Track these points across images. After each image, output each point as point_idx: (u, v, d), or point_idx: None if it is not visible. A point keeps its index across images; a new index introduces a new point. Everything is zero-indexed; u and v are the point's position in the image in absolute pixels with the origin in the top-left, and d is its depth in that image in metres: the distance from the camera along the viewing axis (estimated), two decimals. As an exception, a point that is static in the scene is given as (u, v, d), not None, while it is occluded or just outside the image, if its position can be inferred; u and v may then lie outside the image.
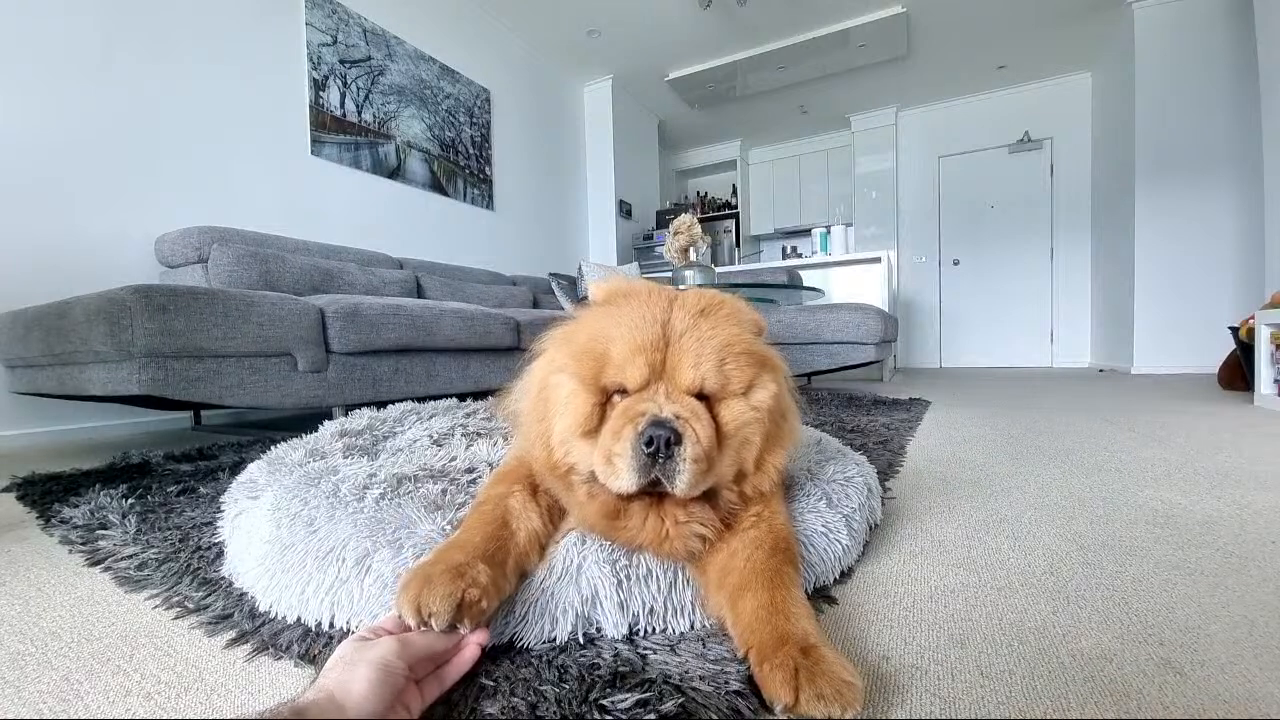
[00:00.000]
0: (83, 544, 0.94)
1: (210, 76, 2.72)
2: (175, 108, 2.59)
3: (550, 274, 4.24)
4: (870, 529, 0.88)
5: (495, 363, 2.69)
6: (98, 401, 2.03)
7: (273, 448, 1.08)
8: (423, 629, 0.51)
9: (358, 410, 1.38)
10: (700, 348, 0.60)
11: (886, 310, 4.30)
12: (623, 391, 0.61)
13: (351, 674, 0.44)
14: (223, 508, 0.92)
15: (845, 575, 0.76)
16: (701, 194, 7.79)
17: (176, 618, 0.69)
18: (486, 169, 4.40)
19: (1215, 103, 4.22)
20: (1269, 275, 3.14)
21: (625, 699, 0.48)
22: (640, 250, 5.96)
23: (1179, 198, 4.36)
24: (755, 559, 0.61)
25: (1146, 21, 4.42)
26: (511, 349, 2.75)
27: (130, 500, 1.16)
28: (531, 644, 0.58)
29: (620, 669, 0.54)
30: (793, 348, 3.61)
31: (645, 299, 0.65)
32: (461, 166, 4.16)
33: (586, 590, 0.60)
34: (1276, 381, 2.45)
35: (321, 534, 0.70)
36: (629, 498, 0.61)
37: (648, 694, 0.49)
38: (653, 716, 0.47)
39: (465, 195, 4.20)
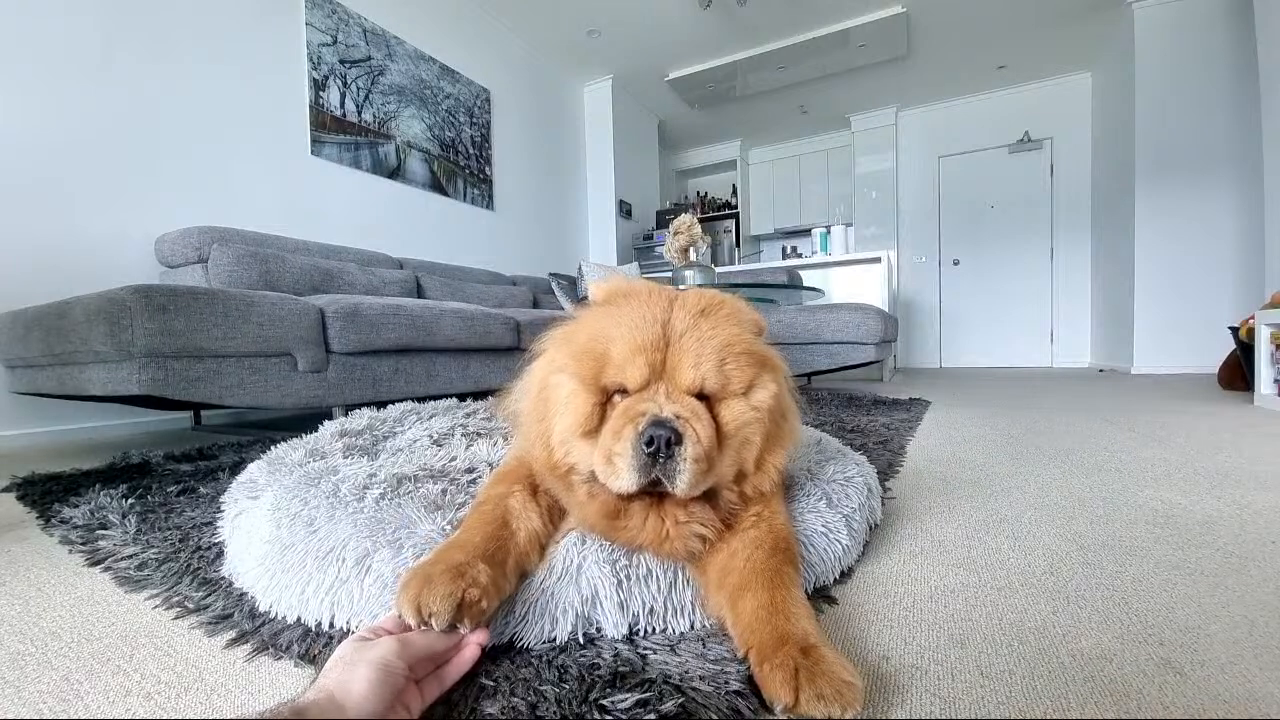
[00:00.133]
0: (83, 544, 0.94)
1: (210, 76, 2.72)
2: (175, 108, 2.59)
3: (550, 274, 4.24)
4: (870, 529, 0.88)
5: (495, 363, 2.69)
6: (98, 401, 2.03)
7: (273, 448, 1.08)
8: (423, 629, 0.51)
9: (358, 410, 1.38)
10: (700, 347, 0.60)
11: (886, 310, 4.30)
12: (623, 391, 0.61)
13: (351, 674, 0.44)
14: (223, 508, 0.92)
15: (845, 575, 0.76)
16: (701, 194, 7.79)
17: (176, 618, 0.69)
18: (486, 169, 4.40)
19: (1215, 103, 4.22)
20: (1269, 275, 3.14)
21: (625, 699, 0.48)
22: (640, 250, 5.96)
23: (1179, 198, 4.36)
24: (755, 559, 0.61)
25: (1146, 21, 4.42)
26: (511, 349, 2.75)
27: (130, 500, 1.16)
28: (531, 644, 0.58)
29: (620, 669, 0.54)
30: (793, 348, 3.61)
31: (645, 299, 0.65)
32: (461, 166, 4.16)
33: (586, 590, 0.60)
34: (1276, 381, 2.45)
35: (321, 534, 0.70)
36: (629, 498, 0.61)
37: (648, 694, 0.49)
38: (653, 716, 0.47)
39: (465, 195, 4.20)
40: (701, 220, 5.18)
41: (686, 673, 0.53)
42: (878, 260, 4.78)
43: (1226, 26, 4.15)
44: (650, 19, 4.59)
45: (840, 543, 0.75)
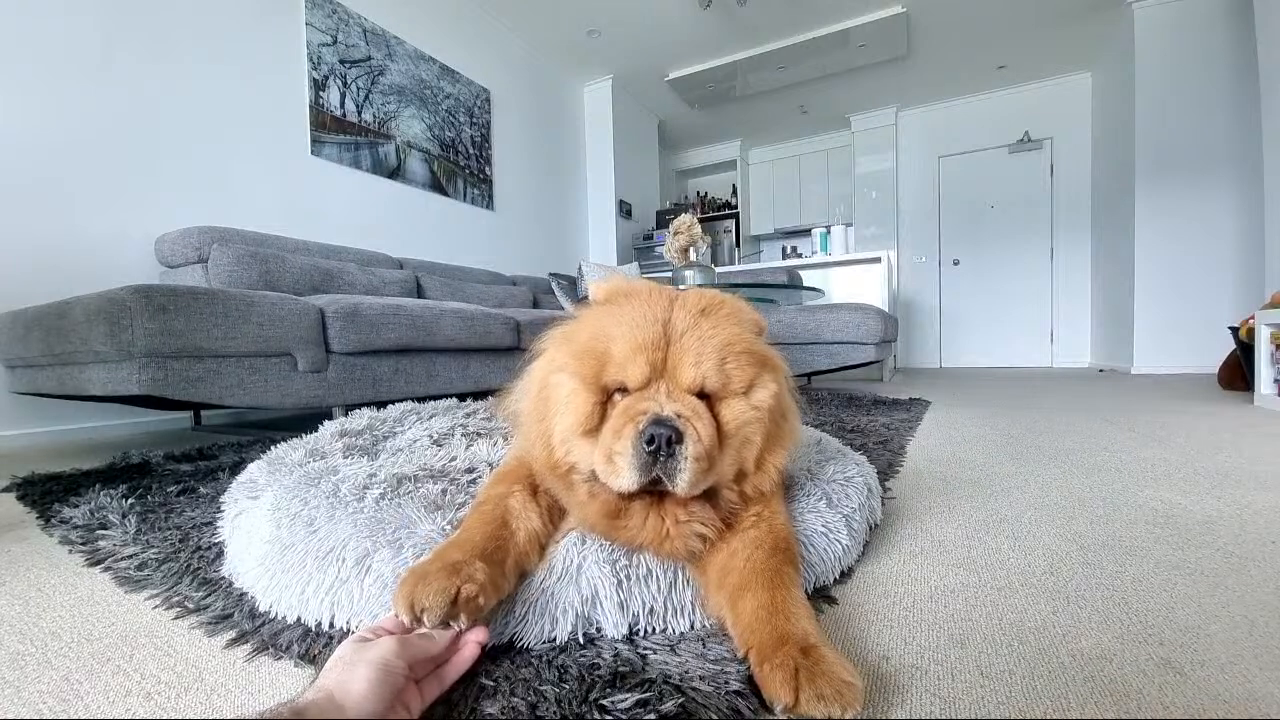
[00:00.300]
0: (83, 544, 0.94)
1: (210, 76, 2.72)
2: (175, 108, 2.59)
3: (550, 274, 4.24)
4: (870, 529, 0.88)
5: (495, 363, 2.69)
6: (98, 401, 2.03)
7: (273, 448, 1.08)
8: (417, 626, 0.51)
9: (358, 410, 1.38)
10: (701, 347, 0.60)
11: (886, 310, 4.30)
12: (623, 390, 0.61)
13: (351, 674, 0.44)
14: (223, 508, 0.92)
15: (845, 575, 0.76)
16: (701, 194, 7.79)
17: (176, 618, 0.69)
18: (486, 169, 4.40)
19: (1215, 103, 4.22)
20: (1269, 275, 3.14)
21: (625, 699, 0.48)
22: (640, 250, 5.96)
23: (1179, 198, 4.36)
24: (755, 559, 0.61)
25: (1146, 21, 4.42)
26: (511, 349, 2.75)
27: (130, 500, 1.16)
28: (531, 644, 0.58)
29: (620, 669, 0.54)
30: (793, 348, 3.61)
31: (646, 298, 0.65)
32: (461, 166, 4.16)
33: (586, 590, 0.60)
34: (1276, 381, 2.45)
35: (321, 534, 0.70)
36: (630, 497, 0.61)
37: (648, 694, 0.49)
38: (653, 716, 0.47)
39: (465, 195, 4.20)
40: (701, 220, 5.18)
41: (686, 673, 0.53)
42: (878, 260, 4.78)
43: (1226, 26, 4.15)
44: (650, 19, 4.59)
45: (840, 543, 0.75)
